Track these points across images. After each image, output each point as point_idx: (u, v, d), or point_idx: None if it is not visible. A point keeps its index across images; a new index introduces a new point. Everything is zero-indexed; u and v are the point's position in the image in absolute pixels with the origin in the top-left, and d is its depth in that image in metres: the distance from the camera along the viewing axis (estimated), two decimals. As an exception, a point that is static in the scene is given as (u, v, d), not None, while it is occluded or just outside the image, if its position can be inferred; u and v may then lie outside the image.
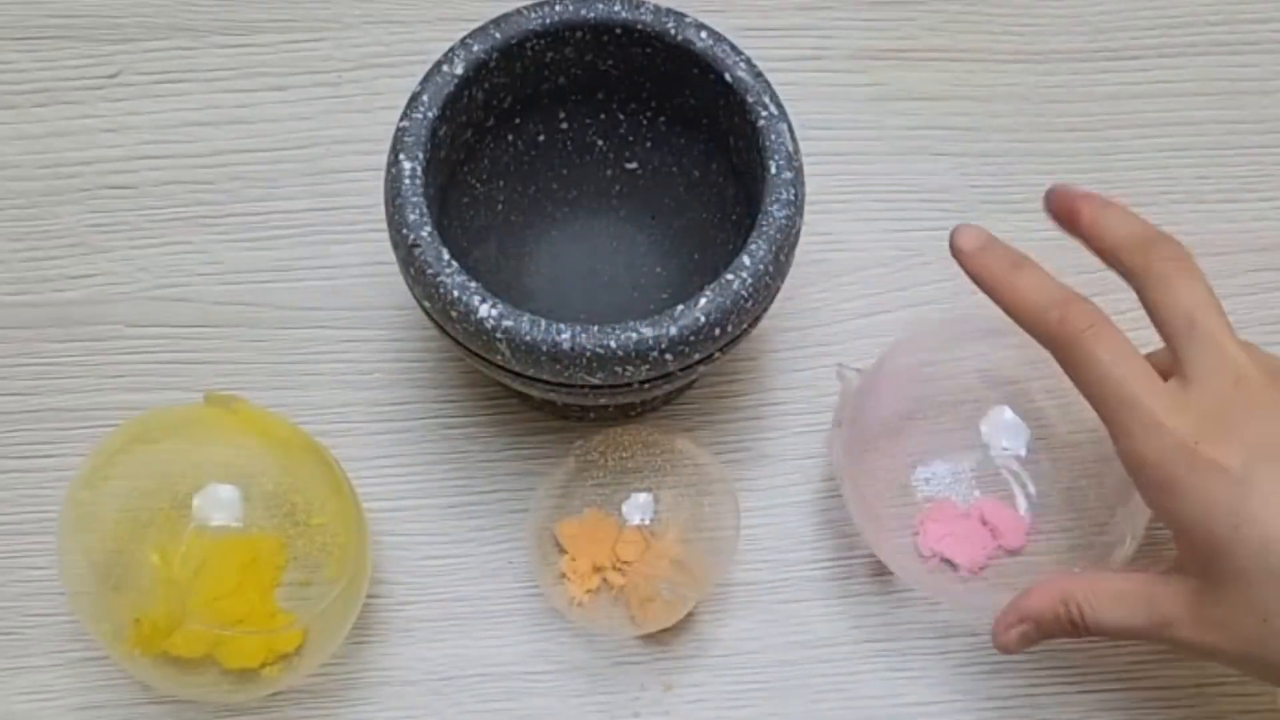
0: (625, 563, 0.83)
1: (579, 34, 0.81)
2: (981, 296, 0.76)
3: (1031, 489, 0.86)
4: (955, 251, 0.77)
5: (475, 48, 0.79)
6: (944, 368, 0.86)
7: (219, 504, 0.80)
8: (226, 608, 0.79)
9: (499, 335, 0.73)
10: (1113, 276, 0.76)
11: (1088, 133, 0.96)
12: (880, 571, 0.86)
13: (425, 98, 0.78)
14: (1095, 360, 0.71)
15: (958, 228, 0.77)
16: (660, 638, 0.85)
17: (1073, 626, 0.75)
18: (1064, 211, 0.78)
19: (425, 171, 0.77)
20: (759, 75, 0.79)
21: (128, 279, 0.91)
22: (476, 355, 0.76)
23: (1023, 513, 0.85)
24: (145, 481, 0.80)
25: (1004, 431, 0.86)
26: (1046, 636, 0.76)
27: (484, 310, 0.73)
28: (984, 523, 0.84)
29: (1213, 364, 0.72)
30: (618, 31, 0.81)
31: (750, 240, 0.75)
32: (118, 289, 0.91)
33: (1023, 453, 0.86)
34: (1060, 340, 0.73)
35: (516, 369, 0.75)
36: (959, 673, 0.85)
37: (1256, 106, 0.97)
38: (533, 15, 0.80)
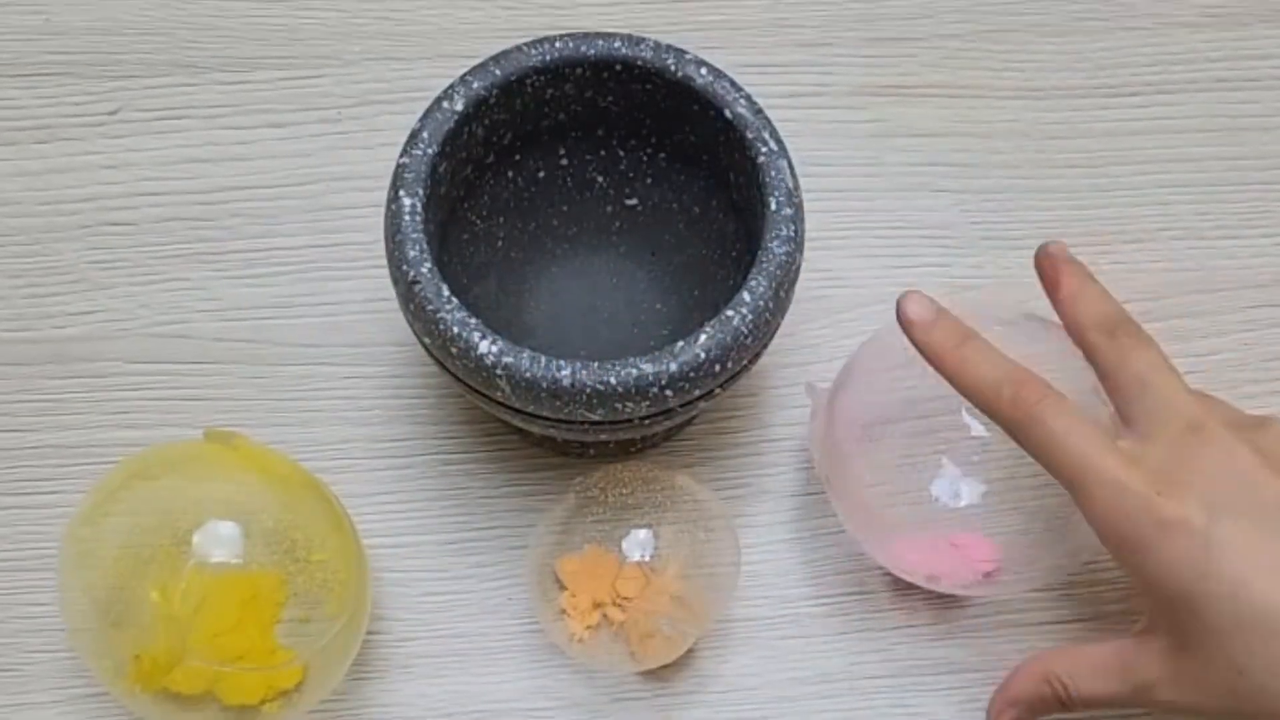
0: (625, 599, 0.83)
1: (579, 70, 0.81)
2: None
3: (1004, 472, 0.84)
4: (903, 321, 0.78)
5: (475, 84, 0.79)
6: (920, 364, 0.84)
7: (219, 540, 0.80)
8: (226, 644, 0.79)
9: (499, 371, 0.73)
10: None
11: (1088, 169, 0.97)
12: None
13: (425, 134, 0.78)
14: (1050, 431, 0.72)
15: (905, 294, 0.78)
16: (661, 674, 0.85)
17: (1061, 704, 0.76)
18: (1048, 276, 0.80)
19: (425, 208, 0.77)
20: (759, 111, 0.79)
21: (128, 315, 0.91)
22: (476, 391, 0.76)
23: (991, 538, 0.83)
24: (145, 518, 0.80)
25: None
26: (1039, 715, 0.77)
27: (484, 346, 0.73)
28: (955, 546, 0.83)
29: (1163, 415, 0.73)
30: (618, 68, 0.81)
31: (750, 276, 0.75)
32: (118, 325, 0.91)
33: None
34: (1014, 418, 0.74)
35: (516, 405, 0.75)
36: (961, 709, 0.85)
37: (1257, 143, 0.98)
38: (533, 52, 0.80)
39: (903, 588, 0.86)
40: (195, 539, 0.79)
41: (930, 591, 0.85)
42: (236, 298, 0.92)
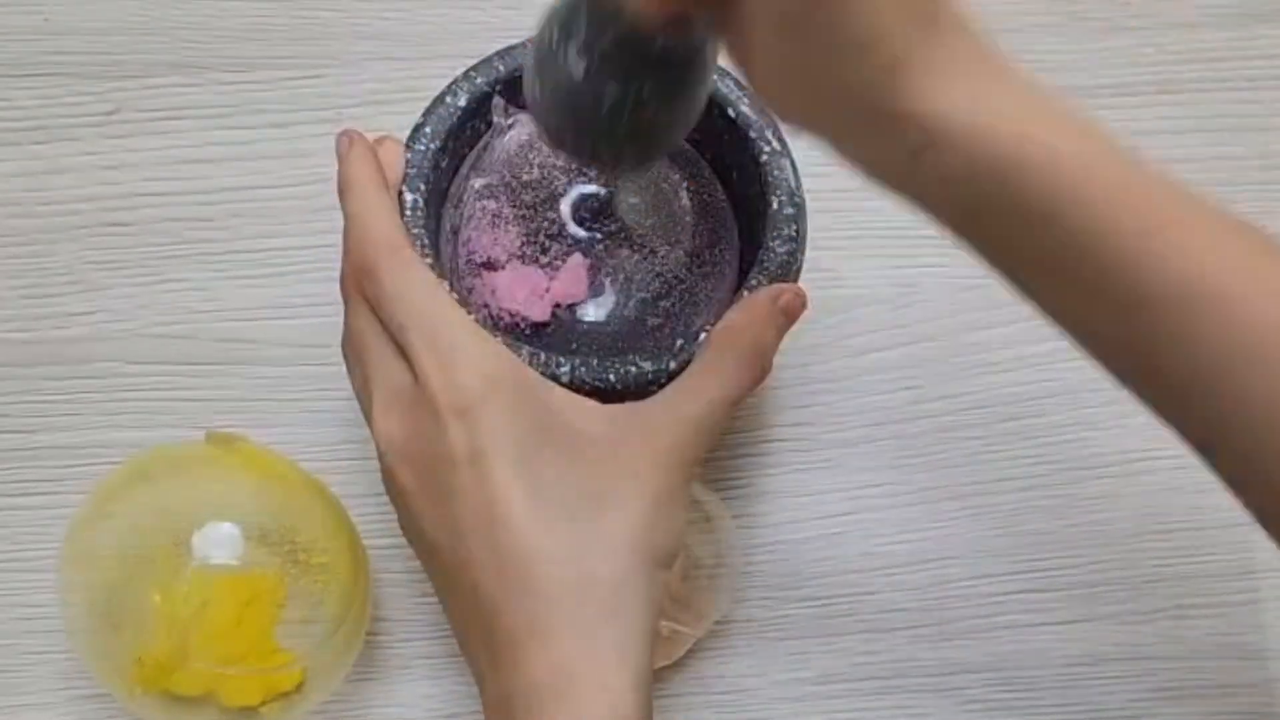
0: (626, 600, 0.83)
1: (581, 67, 0.81)
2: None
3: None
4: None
5: (478, 80, 0.79)
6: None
7: (220, 542, 0.80)
8: (227, 646, 0.79)
9: (498, 370, 0.73)
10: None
11: (1088, 169, 0.96)
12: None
13: (428, 129, 0.78)
14: None
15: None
16: (661, 675, 0.85)
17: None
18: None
19: (427, 204, 0.77)
20: (762, 110, 0.79)
21: (128, 316, 0.91)
22: (477, 390, 0.76)
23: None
24: (146, 519, 0.80)
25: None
26: None
27: (484, 345, 0.73)
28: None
29: None
30: (620, 65, 0.81)
31: (750, 276, 0.75)
32: (118, 326, 0.91)
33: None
34: None
35: (516, 404, 0.75)
36: (961, 711, 0.85)
37: (1258, 143, 0.97)
38: (535, 49, 0.80)
39: (903, 589, 0.86)
40: (196, 540, 0.79)
41: (929, 593, 0.85)
42: (236, 298, 0.92)
